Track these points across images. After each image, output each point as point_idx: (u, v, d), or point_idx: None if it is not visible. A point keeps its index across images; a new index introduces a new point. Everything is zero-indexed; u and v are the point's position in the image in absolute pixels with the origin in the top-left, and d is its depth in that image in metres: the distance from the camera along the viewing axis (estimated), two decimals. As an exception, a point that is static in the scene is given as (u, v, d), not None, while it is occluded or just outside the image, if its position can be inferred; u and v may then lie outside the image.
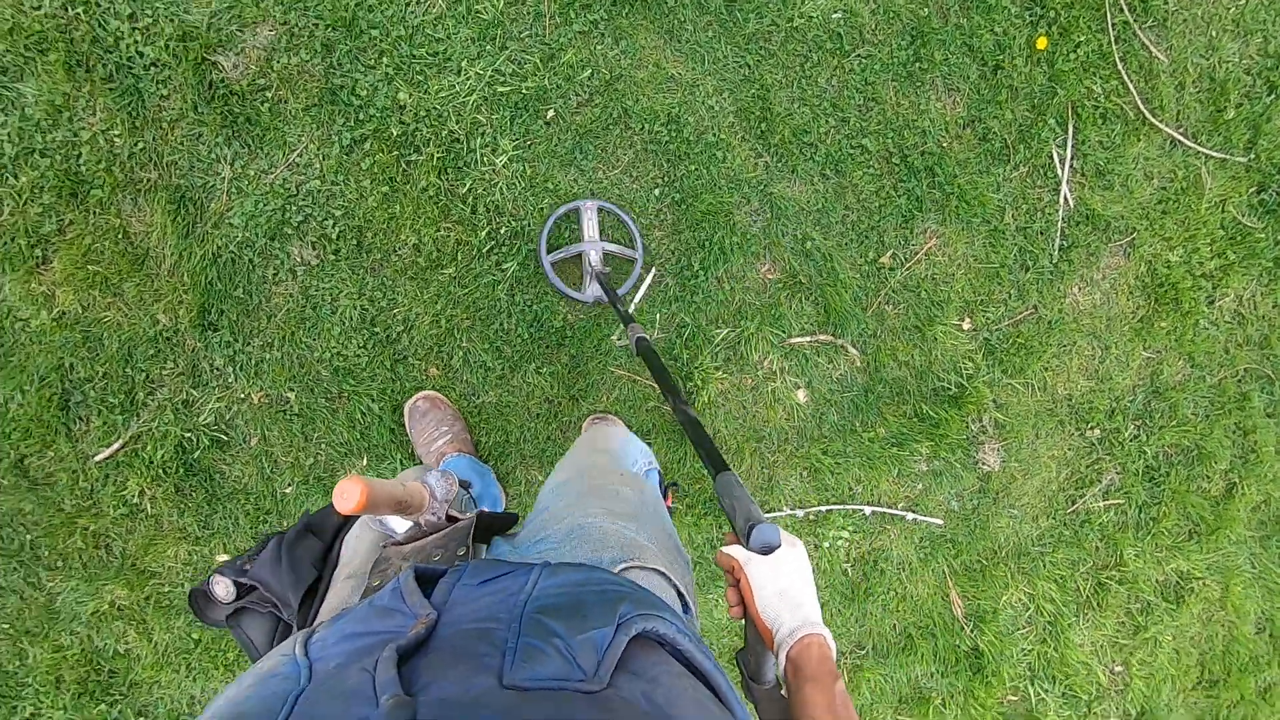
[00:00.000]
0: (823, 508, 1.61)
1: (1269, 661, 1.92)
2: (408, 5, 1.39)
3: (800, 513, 1.61)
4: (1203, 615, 1.86)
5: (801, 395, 1.61)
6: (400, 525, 0.66)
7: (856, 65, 1.54)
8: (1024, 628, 1.74)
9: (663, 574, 0.68)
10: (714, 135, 1.52)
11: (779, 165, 1.55)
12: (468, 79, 1.42)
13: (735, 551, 0.69)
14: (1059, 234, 1.64)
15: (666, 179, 1.52)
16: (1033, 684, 1.73)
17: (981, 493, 1.70)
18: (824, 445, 1.61)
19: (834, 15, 1.53)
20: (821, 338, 1.60)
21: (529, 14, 1.44)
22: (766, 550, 0.61)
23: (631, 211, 1.51)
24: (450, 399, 1.49)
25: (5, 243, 1.35)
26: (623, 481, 0.87)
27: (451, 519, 0.68)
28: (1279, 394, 1.78)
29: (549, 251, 1.44)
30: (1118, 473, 1.76)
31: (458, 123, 1.43)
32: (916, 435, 1.62)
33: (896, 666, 1.67)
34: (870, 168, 1.58)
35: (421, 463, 1.46)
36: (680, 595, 0.69)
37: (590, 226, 1.46)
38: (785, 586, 0.65)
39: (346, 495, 0.54)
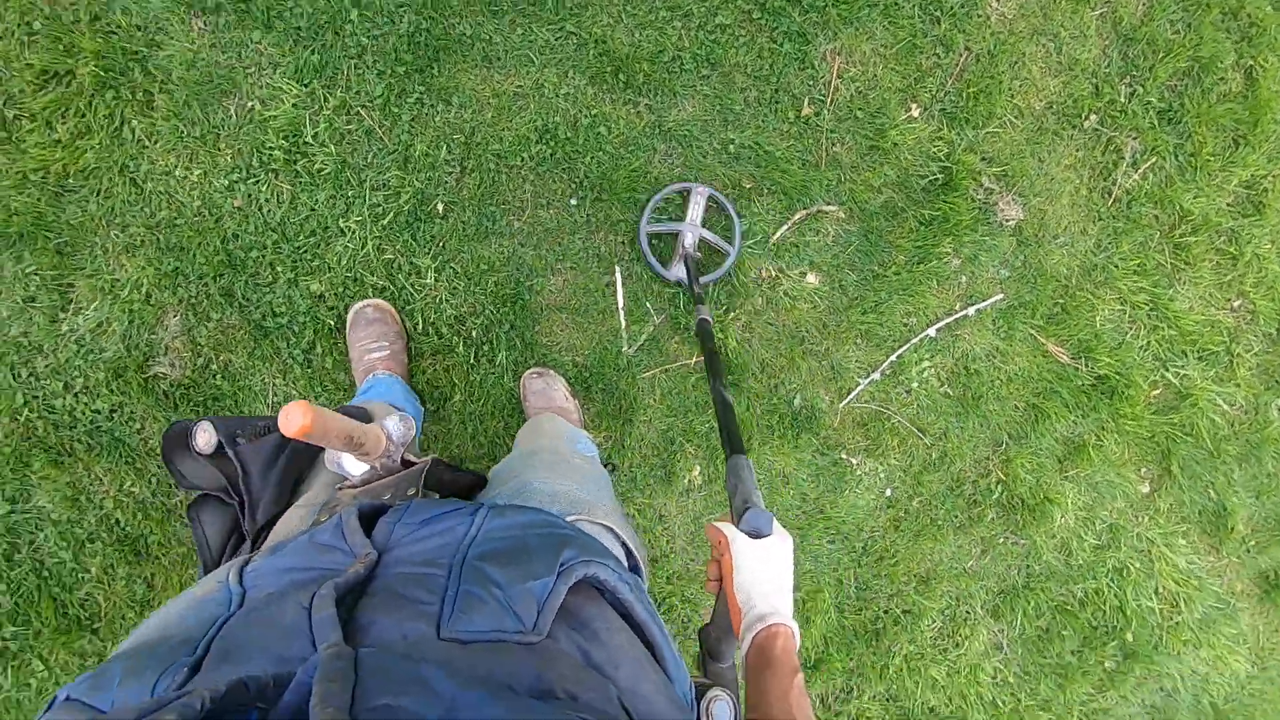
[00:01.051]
0: (892, 358, 1.66)
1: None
2: (263, 211, 1.41)
3: (878, 375, 1.67)
4: (1287, 204, 1.83)
5: (812, 278, 1.64)
6: (356, 468, 0.65)
7: (663, -40, 1.47)
8: (1130, 329, 1.77)
9: (611, 530, 0.72)
10: (586, 117, 1.50)
11: (659, 99, 1.52)
12: (353, 233, 1.44)
13: (725, 528, 0.71)
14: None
15: (575, 184, 1.52)
16: (1166, 370, 1.79)
17: (1022, 244, 1.70)
18: (859, 306, 1.64)
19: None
20: (796, 218, 1.61)
21: (361, 138, 1.43)
22: (755, 534, 0.67)
23: (736, 205, 1.55)
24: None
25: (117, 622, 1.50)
26: (572, 455, 0.93)
27: (407, 463, 0.68)
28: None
29: (650, 221, 1.51)
30: (1134, 137, 1.72)
31: (373, 274, 1.46)
32: (933, 239, 1.63)
33: (1038, 439, 1.74)
34: (739, 40, 1.53)
35: (352, 371, 1.44)
36: (629, 554, 0.72)
37: (695, 210, 1.52)
38: (766, 574, 0.66)
39: (290, 417, 0.51)
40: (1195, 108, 1.74)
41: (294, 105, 1.39)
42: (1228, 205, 1.81)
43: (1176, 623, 1.91)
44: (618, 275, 1.56)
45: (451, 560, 0.47)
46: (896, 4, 1.57)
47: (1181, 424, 1.83)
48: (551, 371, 1.51)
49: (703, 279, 1.50)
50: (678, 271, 1.51)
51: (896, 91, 1.61)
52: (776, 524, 0.70)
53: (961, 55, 1.63)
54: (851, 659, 1.73)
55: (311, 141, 1.41)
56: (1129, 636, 1.87)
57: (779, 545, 0.69)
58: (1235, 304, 1.86)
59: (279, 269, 1.43)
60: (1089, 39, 1.67)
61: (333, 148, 1.42)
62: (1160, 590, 1.89)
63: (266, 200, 1.42)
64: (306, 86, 1.40)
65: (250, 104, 1.40)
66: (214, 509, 0.70)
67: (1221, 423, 1.86)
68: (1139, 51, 1.70)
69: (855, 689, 1.75)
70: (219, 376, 1.45)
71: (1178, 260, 1.80)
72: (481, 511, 0.54)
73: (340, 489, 0.66)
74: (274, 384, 1.47)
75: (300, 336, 1.45)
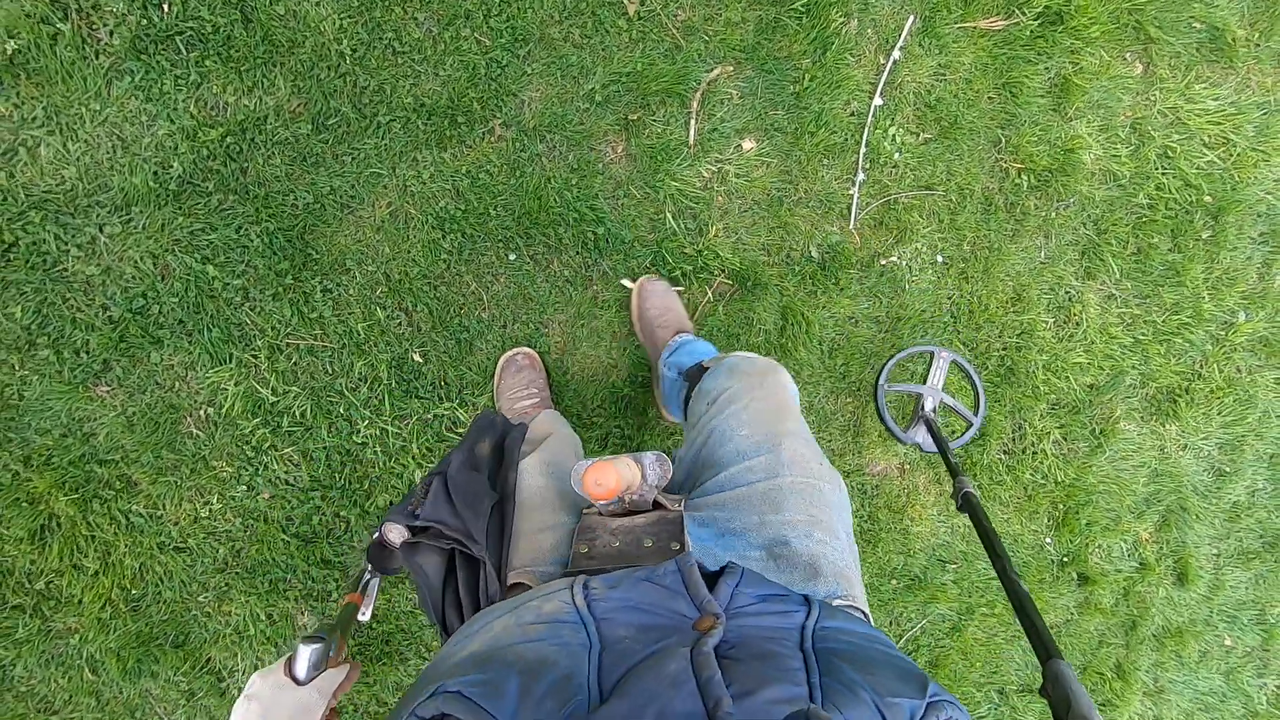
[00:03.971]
0: (862, 149, 1.72)
1: None
2: (289, 481, 1.50)
3: (862, 175, 1.75)
4: None
5: (748, 144, 1.69)
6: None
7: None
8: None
9: (865, 616, 0.76)
10: (462, 178, 1.54)
11: (506, 110, 1.58)
12: (373, 436, 1.54)
13: None
14: None
15: (502, 241, 1.62)
16: None
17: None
18: (803, 132, 1.73)
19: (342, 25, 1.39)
20: (695, 105, 1.63)
21: (308, 360, 1.49)
22: None
23: (975, 366, 1.69)
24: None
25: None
26: (822, 474, 0.89)
27: (658, 505, 0.76)
28: None
29: (889, 380, 1.63)
30: None
31: (417, 447, 1.56)
32: (820, 22, 1.70)
33: (1027, 109, 1.86)
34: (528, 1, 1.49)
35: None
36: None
37: (938, 375, 1.67)
38: None
39: (603, 483, 0.60)
40: None
41: (235, 384, 1.45)
42: None
43: (1238, 155, 2.06)
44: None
45: (799, 645, 0.51)
46: None
47: (1135, -10, 1.87)
48: (660, 280, 1.63)
49: (952, 444, 1.55)
50: (917, 435, 1.60)
51: (689, -82, 1.57)
52: None
53: None
54: (1005, 405, 1.94)
55: (275, 398, 1.48)
56: (1207, 199, 2.04)
57: None
58: None
59: (344, 513, 1.55)
60: None
61: (295, 388, 1.49)
62: (1207, 141, 2.02)
63: (285, 472, 1.51)
64: (229, 361, 1.45)
65: (203, 413, 1.46)
66: (425, 552, 0.81)
67: (1167, -42, 1.89)
68: None
69: (1023, 422, 1.97)
70: (374, 623, 1.60)
71: None
72: (814, 605, 0.58)
73: (585, 512, 0.77)
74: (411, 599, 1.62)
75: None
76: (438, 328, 1.57)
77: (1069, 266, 1.99)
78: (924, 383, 1.67)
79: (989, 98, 1.84)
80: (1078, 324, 2.01)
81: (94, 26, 1.32)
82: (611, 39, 1.58)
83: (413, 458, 1.59)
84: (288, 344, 1.49)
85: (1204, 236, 2.08)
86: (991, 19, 1.81)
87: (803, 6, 1.66)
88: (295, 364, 1.50)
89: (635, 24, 1.58)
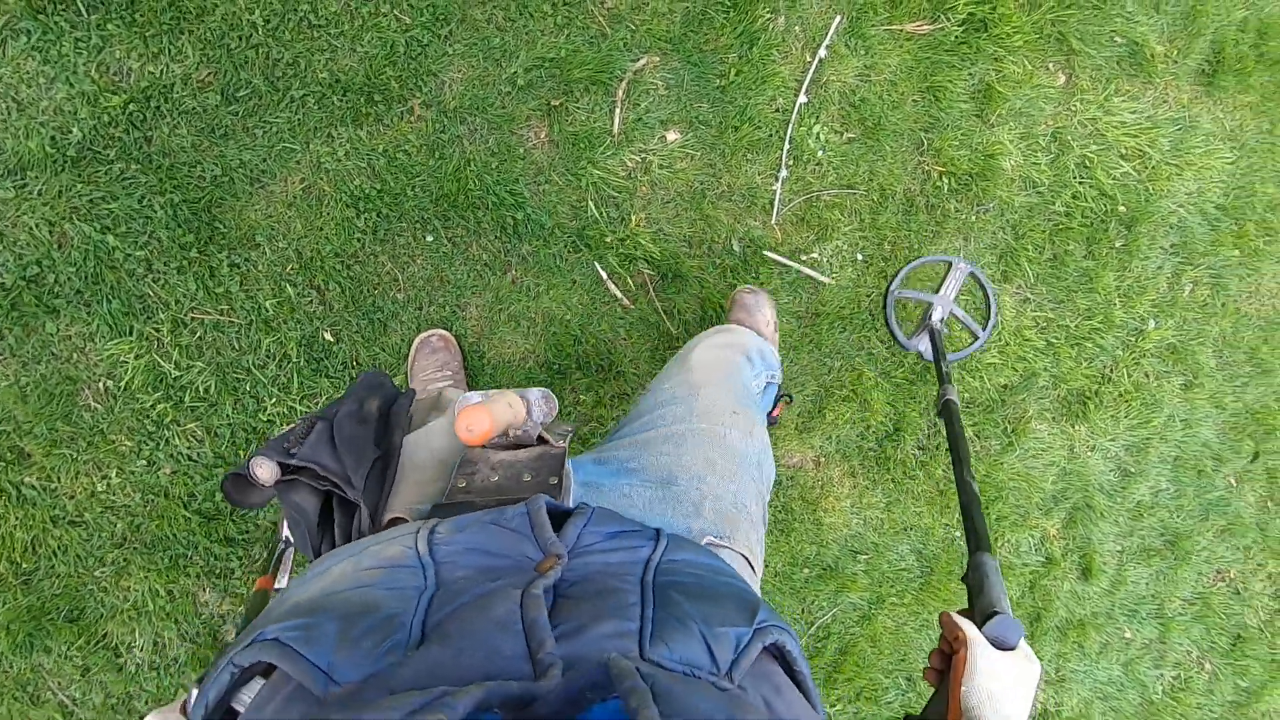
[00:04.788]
0: (786, 146, 1.76)
1: None
2: (193, 457, 1.49)
3: (785, 171, 1.78)
4: None
5: (672, 135, 1.72)
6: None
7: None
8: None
9: (747, 561, 0.79)
10: (379, 157, 1.54)
11: (426, 90, 1.56)
12: (280, 414, 1.52)
13: (967, 626, 0.71)
14: None
15: (419, 223, 1.60)
16: None
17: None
18: (727, 126, 1.75)
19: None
20: (620, 94, 1.65)
21: (214, 335, 1.49)
22: (999, 644, 0.66)
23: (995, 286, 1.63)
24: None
25: None
26: (734, 422, 0.92)
27: (542, 439, 0.76)
28: None
29: (901, 287, 1.62)
30: None
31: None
32: (747, 16, 1.72)
33: (950, 113, 1.90)
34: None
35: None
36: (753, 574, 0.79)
37: (951, 287, 1.64)
38: (1003, 691, 0.65)
39: (474, 426, 0.59)
40: None
41: (135, 357, 1.43)
42: None
43: (1153, 168, 2.14)
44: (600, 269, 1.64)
45: (640, 579, 0.52)
46: None
47: (1057, 3, 1.93)
48: (765, 292, 1.68)
49: (950, 356, 1.55)
50: (919, 344, 1.60)
51: (618, -95, 1.58)
52: (1024, 643, 0.70)
53: None
54: (920, 402, 2.00)
55: (178, 373, 1.46)
56: (1121, 209, 2.12)
57: (1026, 667, 0.69)
58: None
59: (251, 489, 1.54)
60: None
61: (199, 363, 1.48)
62: (1123, 153, 2.11)
63: (188, 449, 1.50)
64: (131, 334, 1.43)
65: (101, 385, 1.44)
66: (301, 490, 0.78)
67: (1090, -27, 1.96)
68: None
69: (938, 421, 2.03)
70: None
71: None
72: (662, 538, 0.59)
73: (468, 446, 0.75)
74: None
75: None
76: (350, 307, 1.57)
77: (987, 269, 2.06)
78: (937, 292, 1.65)
79: (913, 100, 1.89)
80: (995, 326, 2.08)
81: (-13, -18, 1.29)
82: (536, 23, 1.59)
83: (323, 437, 1.59)
84: (192, 318, 1.48)
85: (1117, 245, 2.17)
86: (917, 22, 1.86)
87: (729, 0, 1.68)
88: (200, 339, 1.49)
89: (560, 9, 1.59)
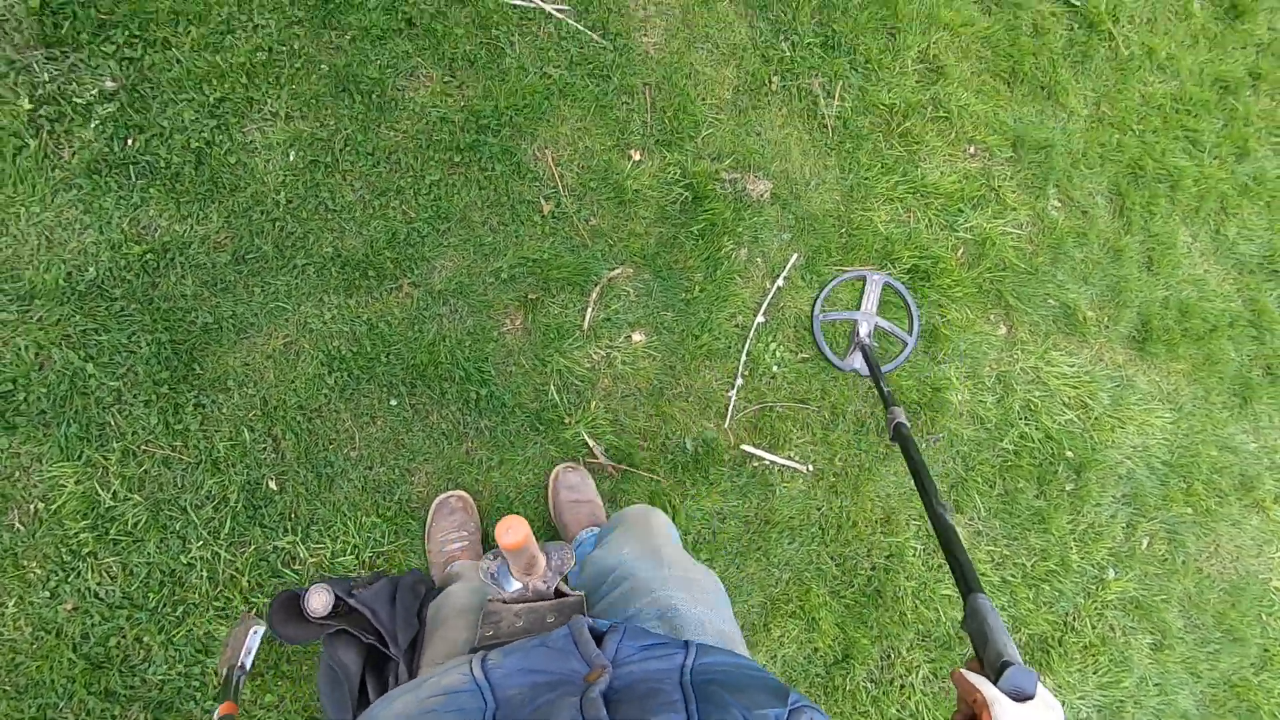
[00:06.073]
0: (743, 358, 1.90)
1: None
2: (100, 596, 1.44)
3: (740, 381, 1.90)
4: (954, 49, 2.26)
5: (638, 336, 1.88)
6: (510, 584, 0.80)
7: (345, 162, 1.65)
8: (908, 217, 2.13)
9: None
10: (361, 325, 1.66)
11: (417, 273, 1.73)
12: (202, 560, 1.50)
13: (982, 685, 0.70)
14: (585, 29, 1.84)
15: (386, 387, 1.69)
16: (955, 231, 2.16)
17: (785, 206, 2.04)
18: (689, 334, 1.89)
19: (289, 156, 1.62)
20: (593, 297, 1.82)
21: (160, 471, 1.51)
22: (1018, 696, 0.65)
23: (906, 285, 1.67)
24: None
25: None
26: (696, 570, 1.03)
27: (559, 592, 0.83)
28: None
29: (823, 310, 1.59)
30: (815, 75, 2.09)
31: (246, 579, 1.52)
32: (714, 245, 1.95)
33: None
34: (455, 185, 1.78)
35: (427, 555, 1.64)
36: None
37: (870, 300, 1.64)
38: None
39: (513, 530, 0.68)
40: (845, 27, 2.14)
41: (76, 483, 1.45)
42: (916, 83, 2.23)
43: (1095, 419, 2.27)
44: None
45: (680, 681, 0.57)
46: (568, 84, 1.85)
47: (994, 265, 2.21)
48: (583, 467, 1.73)
49: (885, 368, 1.58)
50: (854, 361, 1.62)
51: (612, 149, 1.89)
52: (1041, 687, 0.69)
53: (644, 92, 1.93)
54: (872, 628, 1.94)
55: (113, 503, 1.47)
56: (1069, 455, 2.21)
57: (1048, 715, 0.68)
58: (971, 151, 2.28)
59: (146, 639, 1.47)
60: (733, 24, 2.03)
61: (137, 496, 1.49)
62: (1066, 401, 2.25)
63: (98, 584, 1.46)
64: (79, 459, 1.46)
65: (32, 507, 1.44)
66: (346, 643, 0.84)
67: (1022, 244, 2.27)
68: (776, 12, 2.08)
69: (891, 651, 1.95)
70: None
71: (908, 145, 2.19)
72: (692, 646, 0.64)
73: (491, 600, 0.81)
74: None
75: (204, 687, 1.49)
76: (302, 459, 1.61)
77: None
78: (858, 309, 1.65)
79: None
80: (947, 555, 2.07)
81: (59, 146, 1.52)
82: (525, 229, 1.82)
83: (240, 590, 1.54)
84: (144, 450, 1.51)
85: (1068, 489, 2.23)
86: (868, 266, 2.11)
87: (698, 230, 1.93)
88: (145, 472, 1.51)
89: (547, 221, 1.83)
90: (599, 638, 0.64)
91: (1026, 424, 2.19)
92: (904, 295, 1.77)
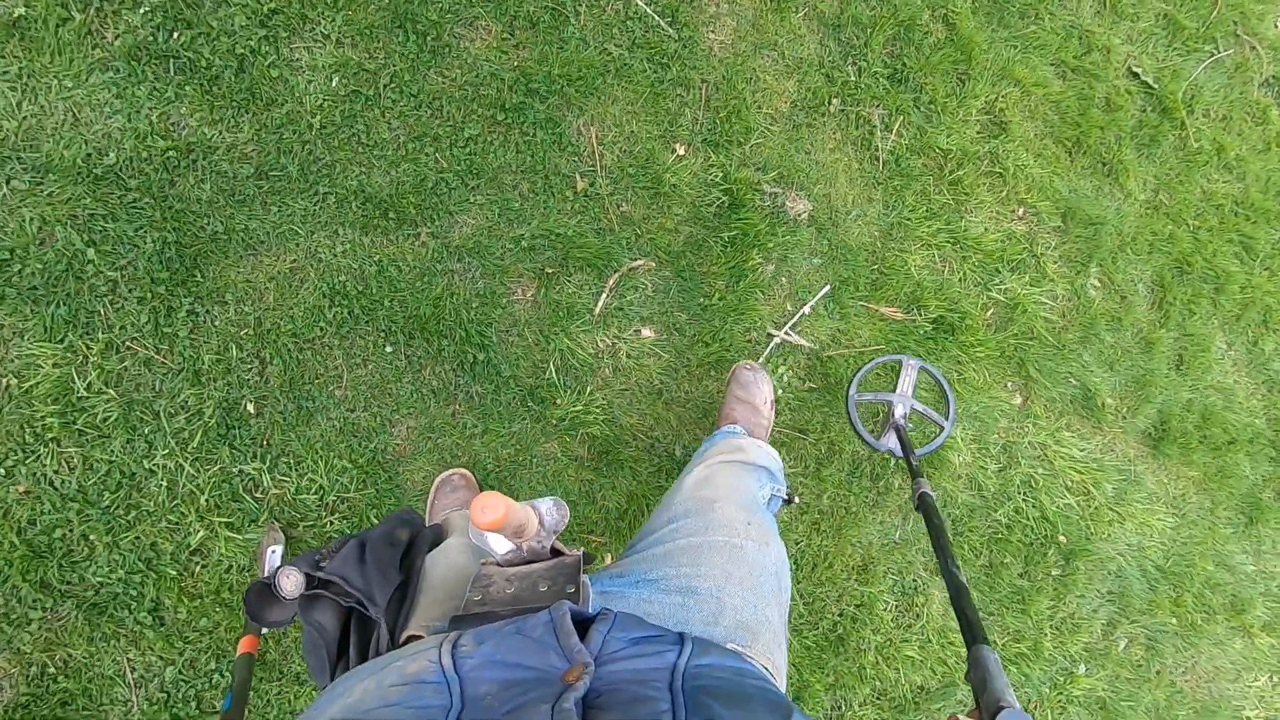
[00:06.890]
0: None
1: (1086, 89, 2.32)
2: (55, 485, 1.41)
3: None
4: (1022, 107, 2.22)
5: (647, 332, 1.84)
6: (501, 546, 0.75)
7: (387, 98, 1.63)
8: (943, 268, 2.08)
9: (768, 670, 0.79)
10: (371, 265, 1.63)
11: (438, 224, 1.68)
12: (164, 468, 1.47)
13: None
14: (654, 14, 1.81)
15: (384, 332, 1.65)
16: (989, 291, 2.10)
17: (820, 231, 1.98)
18: (699, 340, 1.86)
19: (332, 81, 1.59)
20: (610, 283, 1.79)
21: (141, 371, 1.49)
22: None
23: (952, 387, 1.71)
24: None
25: None
26: (749, 533, 0.94)
27: (555, 551, 0.78)
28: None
29: (860, 390, 1.64)
30: (877, 105, 2.05)
31: (204, 498, 1.48)
32: (741, 256, 1.87)
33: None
34: (494, 144, 1.73)
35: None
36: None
37: (907, 383, 1.69)
38: None
39: (488, 509, 0.62)
40: (916, 63, 2.10)
41: (54, 365, 1.42)
42: (977, 134, 2.18)
43: (1095, 508, 2.20)
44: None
45: (670, 686, 0.52)
46: (625, 64, 1.81)
47: (1021, 332, 2.15)
48: (764, 370, 1.71)
49: (919, 451, 1.63)
50: (889, 442, 1.66)
51: (657, 139, 1.85)
52: None
53: (701, 88, 1.89)
54: (828, 674, 1.88)
55: (86, 394, 1.44)
56: (1061, 539, 2.15)
57: None
58: (1020, 213, 2.23)
59: (92, 537, 1.43)
60: (804, 38, 1.99)
61: (112, 392, 1.45)
62: (1069, 485, 2.18)
63: (55, 473, 1.42)
64: (62, 342, 1.43)
65: (5, 381, 1.41)
66: (322, 605, 0.81)
67: (1053, 317, 2.20)
68: (849, 34, 2.04)
69: (843, 701, 1.90)
70: (60, 677, 1.41)
71: (957, 194, 2.14)
72: (688, 642, 0.59)
73: (484, 563, 0.77)
74: (128, 658, 1.45)
75: (141, 598, 1.45)
76: (285, 388, 1.57)
77: (921, 555, 2.04)
78: (894, 390, 1.68)
79: (876, 374, 2.03)
80: (918, 615, 2.01)
81: (104, 25, 1.50)
82: (555, 202, 1.78)
83: (196, 509, 1.50)
84: (128, 347, 1.48)
85: (1054, 574, 2.17)
86: (892, 308, 2.06)
87: (729, 238, 1.89)
88: (125, 369, 1.48)
89: (579, 199, 1.79)
90: (585, 624, 0.59)
91: (1024, 499, 2.13)
92: (940, 381, 1.79)
